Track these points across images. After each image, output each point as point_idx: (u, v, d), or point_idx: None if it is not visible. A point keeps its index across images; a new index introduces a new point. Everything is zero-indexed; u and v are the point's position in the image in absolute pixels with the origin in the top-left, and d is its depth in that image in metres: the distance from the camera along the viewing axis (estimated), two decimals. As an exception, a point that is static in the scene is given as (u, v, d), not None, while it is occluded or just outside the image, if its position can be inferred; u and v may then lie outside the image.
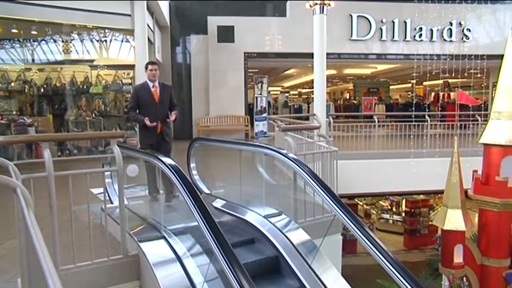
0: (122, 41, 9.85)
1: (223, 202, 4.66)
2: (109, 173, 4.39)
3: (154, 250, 3.32)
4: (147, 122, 4.78)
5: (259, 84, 12.20)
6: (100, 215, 4.17)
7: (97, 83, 9.98)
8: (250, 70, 15.08)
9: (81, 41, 9.73)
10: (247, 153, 6.89)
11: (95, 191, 4.04)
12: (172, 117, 4.96)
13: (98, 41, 9.83)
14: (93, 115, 9.79)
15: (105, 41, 9.88)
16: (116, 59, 10.04)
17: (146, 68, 4.98)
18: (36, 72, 9.76)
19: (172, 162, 3.20)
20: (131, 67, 9.36)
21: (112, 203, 4.22)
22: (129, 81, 9.92)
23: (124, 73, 10.15)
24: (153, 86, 4.94)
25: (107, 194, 4.06)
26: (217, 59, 13.07)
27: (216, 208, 4.54)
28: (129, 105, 5.17)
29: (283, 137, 4.81)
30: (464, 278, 4.38)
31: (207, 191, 5.29)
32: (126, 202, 3.69)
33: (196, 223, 2.76)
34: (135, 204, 4.80)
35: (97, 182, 3.81)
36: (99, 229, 3.80)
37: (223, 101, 13.10)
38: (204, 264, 3.25)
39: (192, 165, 5.49)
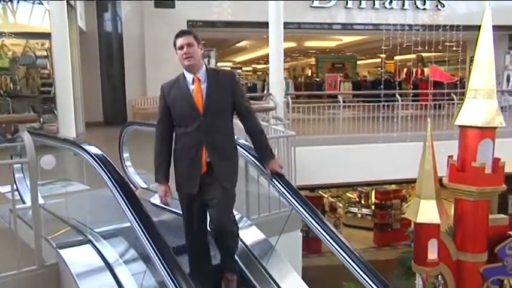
0: (34, 2, 9.35)
1: (163, 198, 4.58)
2: (20, 166, 4.21)
3: (77, 257, 3.23)
4: (159, 195, 3.18)
5: (206, 59, 12.07)
6: (9, 218, 3.99)
7: (1, 55, 9.45)
8: (196, 41, 14.85)
9: (-25, 1, 9.16)
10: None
11: (1, 188, 3.88)
12: (277, 167, 3.21)
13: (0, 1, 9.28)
14: (-2, 95, 9.31)
15: (10, 1, 9.33)
16: (26, 26, 9.50)
17: (175, 46, 3.06)
18: None
19: (98, 152, 3.10)
20: (46, 36, 8.87)
21: (24, 203, 4.06)
22: (45, 53, 9.47)
23: (37, 43, 9.63)
24: (193, 81, 3.02)
25: (16, 192, 3.89)
26: (154, 29, 12.76)
27: (154, 205, 4.48)
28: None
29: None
30: (439, 276, 4.58)
31: (143, 185, 5.20)
32: (41, 201, 3.56)
33: (129, 224, 2.71)
34: (54, 203, 4.63)
35: (5, 177, 3.64)
36: (7, 235, 3.64)
37: (164, 78, 12.60)
38: (141, 272, 3.20)
39: (126, 155, 5.38)
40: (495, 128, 4.62)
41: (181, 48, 2.98)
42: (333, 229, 3.07)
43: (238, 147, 3.35)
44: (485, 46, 4.70)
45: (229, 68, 24.50)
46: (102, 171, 2.92)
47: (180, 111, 3.03)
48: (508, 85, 14.07)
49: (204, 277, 3.19)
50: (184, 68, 3.05)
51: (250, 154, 3.51)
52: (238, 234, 3.28)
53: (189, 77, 3.03)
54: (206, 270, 3.23)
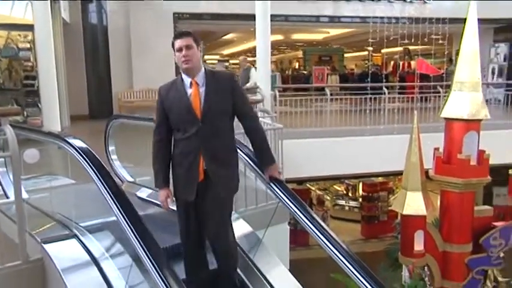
0: (16, -7, 9.21)
1: (150, 191, 4.59)
2: (3, 160, 4.16)
3: (63, 252, 3.21)
4: (161, 200, 3.03)
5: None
6: (-8, 213, 3.94)
7: (-18, 47, 9.28)
8: (182, 34, 14.74)
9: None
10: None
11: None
12: (275, 173, 3.08)
13: (-20, -9, 9.12)
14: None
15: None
16: (7, 17, 9.35)
17: (173, 48, 2.94)
18: None
19: (83, 145, 3.07)
20: (29, 28, 8.74)
21: (8, 198, 4.00)
22: (28, 45, 9.33)
23: (20, 35, 9.49)
24: (191, 84, 2.91)
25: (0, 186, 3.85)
26: (140, 21, 12.63)
27: (140, 198, 4.48)
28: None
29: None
30: (425, 267, 4.63)
31: (130, 179, 5.19)
32: (26, 196, 3.52)
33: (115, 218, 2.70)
34: (39, 198, 4.59)
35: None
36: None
37: (150, 71, 12.72)
38: (127, 266, 3.19)
39: (111, 148, 5.35)
40: (480, 120, 4.69)
41: (179, 50, 2.86)
42: (320, 222, 3.08)
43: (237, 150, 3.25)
44: (471, 39, 4.75)
45: (216, 61, 24.42)
46: (87, 165, 2.89)
47: (177, 116, 2.91)
48: (493, 78, 14.21)
49: (201, 284, 3.13)
50: (182, 71, 2.94)
51: (250, 158, 3.39)
52: (235, 247, 3.22)
53: (187, 80, 2.91)
54: (203, 276, 3.16)
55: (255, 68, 9.91)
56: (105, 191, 2.70)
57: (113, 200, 2.64)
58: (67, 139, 3.20)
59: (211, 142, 2.86)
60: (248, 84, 10.35)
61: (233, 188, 3.06)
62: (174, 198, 2.99)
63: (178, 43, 2.86)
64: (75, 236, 3.41)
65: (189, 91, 2.88)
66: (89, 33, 13.07)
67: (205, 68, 2.97)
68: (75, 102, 11.90)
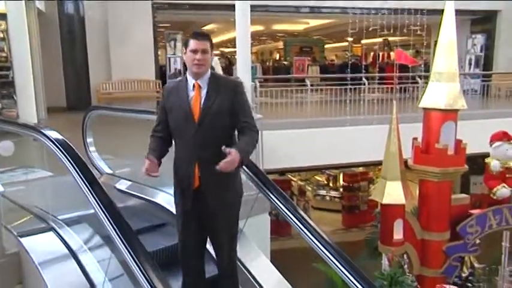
0: (-13, -21, 8.95)
1: (129, 183, 4.57)
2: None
3: (40, 246, 3.18)
4: (144, 166, 2.78)
5: (172, 42, 11.90)
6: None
7: (-47, 37, 9.05)
8: (161, 25, 14.58)
9: None
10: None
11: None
12: (229, 158, 2.56)
13: None
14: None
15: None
16: (-22, 5, 9.11)
17: (186, 46, 2.79)
18: None
19: (59, 136, 3.02)
20: (2, 17, 8.54)
21: (-18, 191, 3.92)
22: (1, 35, 9.11)
23: (-8, 25, 9.31)
24: (194, 87, 2.80)
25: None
26: (118, 10, 12.42)
27: (119, 190, 4.45)
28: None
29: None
30: (404, 255, 4.71)
31: (108, 171, 5.15)
32: (1, 189, 3.46)
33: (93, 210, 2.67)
34: (14, 190, 4.51)
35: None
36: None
37: (129, 62, 12.58)
38: (107, 258, 3.16)
39: (89, 140, 5.30)
40: (457, 110, 4.77)
41: (194, 51, 2.71)
42: (299, 211, 3.09)
43: None
44: (448, 31, 4.80)
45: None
46: (63, 157, 2.84)
47: (175, 119, 2.80)
48: (470, 69, 14.42)
49: None
50: (189, 72, 2.81)
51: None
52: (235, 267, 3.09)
53: (191, 82, 2.79)
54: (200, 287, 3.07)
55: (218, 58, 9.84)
56: (82, 183, 2.67)
57: (90, 192, 2.61)
58: (42, 130, 3.15)
59: (208, 148, 2.71)
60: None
61: (229, 200, 2.86)
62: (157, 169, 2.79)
63: (195, 44, 2.71)
64: (52, 229, 3.37)
65: (191, 94, 2.78)
66: (66, 23, 12.79)
67: (211, 72, 2.85)
68: (52, 94, 11.67)
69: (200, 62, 2.71)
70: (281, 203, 3.09)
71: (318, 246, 2.86)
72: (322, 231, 3.03)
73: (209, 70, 2.84)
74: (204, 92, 2.77)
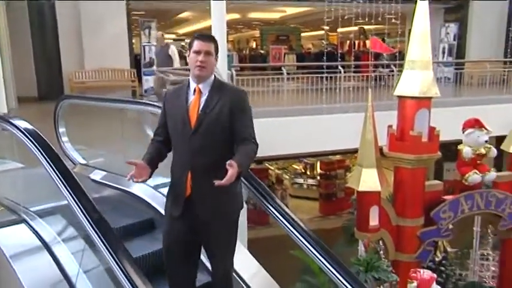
0: None
1: (104, 173, 4.52)
2: None
3: (11, 238, 3.13)
4: (130, 173, 2.62)
5: (147, 30, 11.71)
6: None
7: None
8: (135, 12, 14.35)
9: None
10: (133, 114, 6.66)
11: None
12: (229, 174, 2.38)
13: None
14: None
15: None
16: None
17: (190, 47, 2.71)
18: None
19: (29, 126, 2.94)
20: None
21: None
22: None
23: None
24: (194, 91, 2.70)
25: None
26: (90, -3, 12.16)
27: (94, 181, 4.39)
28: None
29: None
30: (380, 241, 4.77)
31: (82, 161, 5.09)
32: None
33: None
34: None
35: None
36: None
37: (102, 50, 12.35)
38: (80, 250, 3.12)
39: (62, 130, 5.21)
40: (431, 98, 4.83)
41: (197, 53, 2.61)
42: (277, 200, 3.10)
43: None
44: (422, 19, 4.84)
45: (172, 41, 23.91)
46: (33, 147, 2.77)
47: (173, 123, 2.71)
48: (443, 57, 14.63)
49: None
50: (191, 75, 2.71)
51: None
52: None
53: (192, 86, 2.69)
54: None
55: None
56: (53, 173, 2.61)
57: (62, 182, 2.55)
58: (11, 120, 3.07)
59: (203, 156, 2.61)
60: (176, 64, 10.13)
61: (223, 210, 2.72)
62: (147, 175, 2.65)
63: (198, 46, 2.62)
64: (24, 221, 3.31)
65: (191, 98, 2.68)
66: (35, 10, 12.43)
67: (215, 77, 2.73)
68: (22, 84, 11.39)
69: (203, 64, 2.60)
70: (258, 192, 3.09)
71: (295, 234, 2.87)
72: (298, 219, 3.05)
73: (213, 75, 2.72)
74: (204, 97, 2.65)
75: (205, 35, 2.73)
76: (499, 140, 5.49)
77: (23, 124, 2.98)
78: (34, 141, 2.80)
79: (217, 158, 2.56)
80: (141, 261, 3.22)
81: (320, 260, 2.82)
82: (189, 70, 2.74)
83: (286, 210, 3.00)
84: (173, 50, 10.41)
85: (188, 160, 2.63)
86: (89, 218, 2.46)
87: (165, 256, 2.84)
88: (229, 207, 2.76)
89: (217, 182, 2.37)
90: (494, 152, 4.92)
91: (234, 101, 2.68)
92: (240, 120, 2.67)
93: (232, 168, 2.38)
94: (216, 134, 2.63)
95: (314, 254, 2.84)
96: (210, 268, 2.97)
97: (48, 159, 2.68)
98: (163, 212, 3.69)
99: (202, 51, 2.60)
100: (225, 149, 2.64)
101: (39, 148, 2.75)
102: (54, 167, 2.65)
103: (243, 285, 3.34)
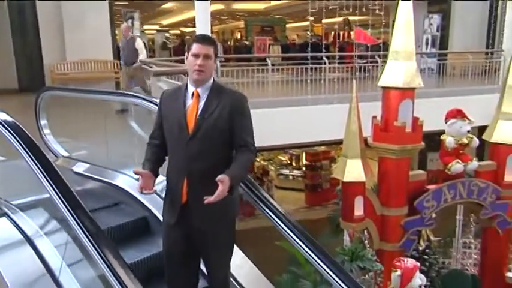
0: None
1: (87, 166, 4.48)
2: None
3: (-9, 232, 3.05)
4: (139, 184, 2.56)
5: (130, 21, 11.61)
6: None
7: None
8: (118, 3, 14.17)
9: None
10: (117, 106, 6.60)
11: None
12: (219, 190, 2.37)
13: None
14: None
15: None
16: None
17: (189, 49, 2.61)
18: None
19: (7, 117, 2.88)
20: None
21: None
22: None
23: None
24: (193, 95, 2.61)
25: None
26: (71, -12, 11.96)
27: (77, 173, 4.35)
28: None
29: (156, 84, 4.66)
30: (365, 231, 4.81)
31: (65, 154, 5.03)
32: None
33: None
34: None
35: None
36: None
37: (84, 41, 12.18)
38: (63, 244, 3.08)
39: (43, 122, 5.14)
40: (414, 88, 4.85)
41: (196, 56, 2.52)
42: (262, 192, 3.10)
43: None
44: (406, 10, 4.85)
45: (155, 32, 23.69)
46: (13, 139, 2.71)
47: (169, 127, 2.62)
48: (427, 48, 14.73)
49: None
50: (189, 78, 2.63)
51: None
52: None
53: (191, 89, 2.60)
54: None
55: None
56: (35, 166, 2.56)
57: (43, 175, 2.51)
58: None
59: (200, 162, 2.52)
60: (142, 57, 9.93)
61: (219, 218, 2.63)
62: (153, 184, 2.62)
63: (197, 49, 2.53)
64: (5, 214, 3.27)
65: (188, 102, 2.59)
66: (15, 9, 12.22)
67: (214, 80, 2.65)
68: (2, 75, 11.20)
69: (201, 68, 2.51)
70: (243, 183, 3.08)
71: (280, 225, 2.87)
72: (283, 210, 3.05)
73: (212, 78, 2.64)
74: (202, 101, 2.57)
75: (205, 38, 2.64)
76: (481, 130, 5.55)
77: (1, 116, 2.92)
78: (13, 133, 2.74)
79: (215, 162, 2.53)
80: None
81: (305, 250, 2.83)
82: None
83: (271, 201, 3.00)
84: (139, 44, 10.09)
85: (184, 166, 2.55)
86: (71, 211, 2.42)
87: (165, 262, 2.79)
88: (226, 214, 2.69)
89: (206, 200, 2.34)
90: (476, 142, 4.98)
91: (234, 105, 2.59)
92: (240, 124, 2.60)
93: (222, 185, 2.34)
94: (214, 139, 2.55)
95: (299, 244, 2.84)
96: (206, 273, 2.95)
97: (29, 152, 2.63)
98: (147, 203, 3.73)
99: (201, 54, 2.52)
100: (223, 152, 2.60)
101: (19, 140, 2.69)
102: (35, 160, 2.59)
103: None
